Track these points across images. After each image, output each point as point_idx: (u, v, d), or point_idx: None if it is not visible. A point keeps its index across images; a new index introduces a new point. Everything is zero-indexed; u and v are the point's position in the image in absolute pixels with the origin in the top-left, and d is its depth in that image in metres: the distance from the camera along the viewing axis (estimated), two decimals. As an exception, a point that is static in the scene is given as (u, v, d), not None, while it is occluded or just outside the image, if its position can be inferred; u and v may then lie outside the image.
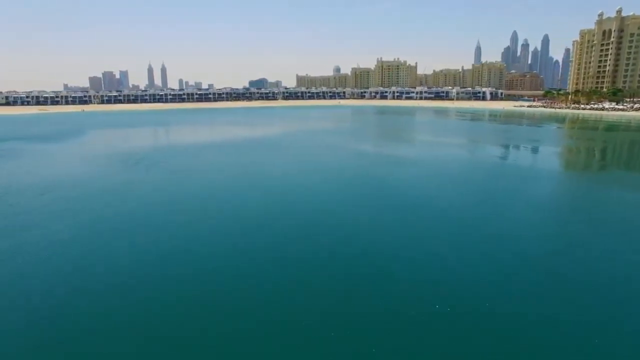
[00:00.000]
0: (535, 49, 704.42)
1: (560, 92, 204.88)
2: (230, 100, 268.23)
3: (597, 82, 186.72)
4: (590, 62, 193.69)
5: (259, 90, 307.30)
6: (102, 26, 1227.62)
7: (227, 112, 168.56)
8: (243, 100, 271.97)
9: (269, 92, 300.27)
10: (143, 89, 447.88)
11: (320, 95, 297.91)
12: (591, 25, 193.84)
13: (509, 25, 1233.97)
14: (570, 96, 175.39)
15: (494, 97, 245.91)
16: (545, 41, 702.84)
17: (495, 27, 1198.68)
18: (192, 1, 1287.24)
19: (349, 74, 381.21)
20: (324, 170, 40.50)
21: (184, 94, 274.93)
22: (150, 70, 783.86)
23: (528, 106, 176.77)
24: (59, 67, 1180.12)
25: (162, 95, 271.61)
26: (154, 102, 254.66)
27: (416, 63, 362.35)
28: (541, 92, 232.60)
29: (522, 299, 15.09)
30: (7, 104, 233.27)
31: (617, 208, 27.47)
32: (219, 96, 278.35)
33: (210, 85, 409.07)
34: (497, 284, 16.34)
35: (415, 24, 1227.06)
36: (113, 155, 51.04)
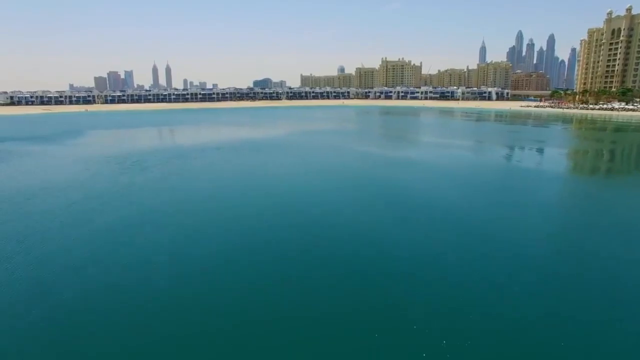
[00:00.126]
0: (541, 48, 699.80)
1: (567, 92, 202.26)
2: (234, 100, 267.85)
3: (606, 82, 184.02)
4: (598, 62, 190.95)
5: (263, 90, 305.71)
6: (108, 27, 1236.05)
7: (231, 112, 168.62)
8: (247, 100, 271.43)
9: (273, 92, 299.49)
10: (147, 88, 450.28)
11: (324, 95, 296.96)
12: (598, 24, 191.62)
13: (514, 24, 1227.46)
14: (578, 96, 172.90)
15: (500, 97, 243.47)
16: (551, 41, 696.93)
17: (500, 27, 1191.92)
18: (197, 2, 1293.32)
19: (353, 73, 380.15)
20: (327, 171, 40.05)
21: (187, 94, 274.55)
22: (154, 70, 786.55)
23: (535, 106, 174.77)
24: (65, 67, 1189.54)
25: (165, 95, 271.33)
26: (158, 102, 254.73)
27: (421, 63, 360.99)
28: (548, 92, 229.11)
29: (523, 299, 15.07)
30: (12, 103, 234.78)
31: (623, 211, 26.86)
32: (223, 96, 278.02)
33: (215, 85, 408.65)
34: (497, 284, 16.28)
35: (419, 24, 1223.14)
36: (113, 155, 50.35)
